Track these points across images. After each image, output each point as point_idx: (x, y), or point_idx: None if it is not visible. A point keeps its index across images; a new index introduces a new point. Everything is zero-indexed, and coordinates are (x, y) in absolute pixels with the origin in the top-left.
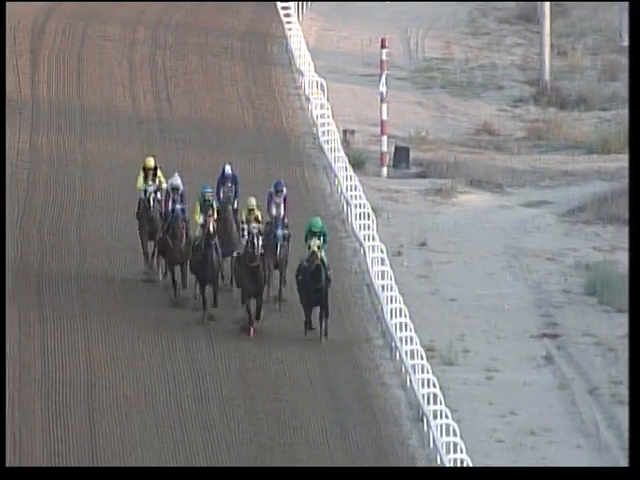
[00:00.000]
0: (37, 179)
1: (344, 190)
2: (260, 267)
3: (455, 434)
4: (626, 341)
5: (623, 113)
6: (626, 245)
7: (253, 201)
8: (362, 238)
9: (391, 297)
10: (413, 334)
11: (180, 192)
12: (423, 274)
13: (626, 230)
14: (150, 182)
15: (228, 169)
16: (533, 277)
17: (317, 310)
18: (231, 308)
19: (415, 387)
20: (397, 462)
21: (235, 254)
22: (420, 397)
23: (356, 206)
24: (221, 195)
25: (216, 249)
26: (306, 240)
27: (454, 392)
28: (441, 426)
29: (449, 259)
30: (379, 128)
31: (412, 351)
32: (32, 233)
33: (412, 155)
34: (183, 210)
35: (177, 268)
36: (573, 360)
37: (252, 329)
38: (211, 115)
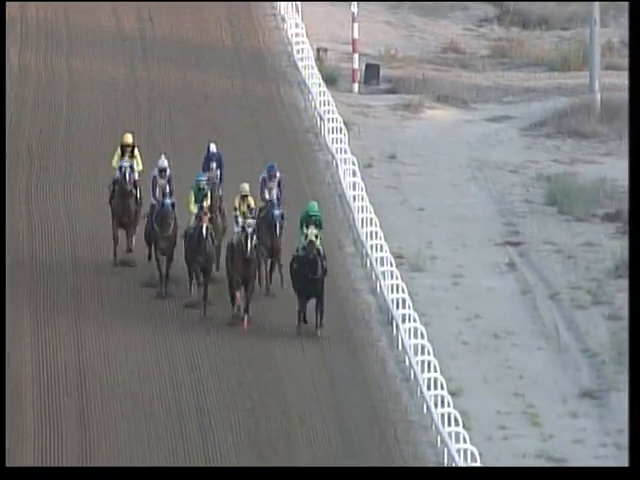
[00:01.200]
0: (25, 96)
1: (317, 105)
2: (254, 259)
3: (423, 337)
4: (585, 249)
5: (582, 32)
6: (585, 157)
7: (246, 187)
8: (334, 151)
9: (362, 207)
10: (383, 242)
11: (168, 175)
12: (392, 185)
13: (584, 143)
14: (127, 159)
15: (213, 147)
16: (497, 188)
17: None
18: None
19: (385, 292)
20: (367, 363)
21: (228, 242)
22: (389, 302)
23: (329, 120)
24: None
25: (212, 240)
26: (301, 226)
27: (422, 297)
28: (409, 329)
29: (417, 171)
30: (351, 46)
31: (382, 258)
32: (21, 146)
33: (382, 72)
34: (173, 205)
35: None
36: (534, 267)
37: (245, 321)
38: (191, 34)
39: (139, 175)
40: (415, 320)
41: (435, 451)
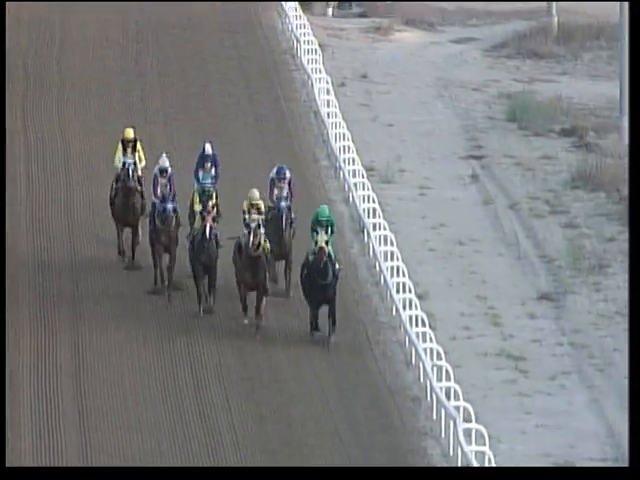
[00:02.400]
0: (21, 16)
1: (294, 28)
2: (261, 258)
3: (392, 244)
4: (542, 162)
5: None
6: (543, 77)
7: (256, 194)
8: (310, 71)
9: (335, 123)
10: (355, 156)
11: (169, 175)
12: (364, 103)
13: (542, 63)
14: (130, 156)
15: (208, 148)
16: (461, 105)
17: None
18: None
19: (357, 202)
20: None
21: (235, 242)
22: (361, 211)
23: (305, 42)
24: (200, 175)
25: (217, 243)
26: (312, 231)
27: (391, 207)
28: (380, 237)
29: (387, 89)
30: None
31: (354, 171)
32: (18, 65)
33: None
34: (175, 209)
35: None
36: (496, 178)
37: (257, 324)
38: None
39: (142, 172)
40: (385, 228)
41: (403, 350)
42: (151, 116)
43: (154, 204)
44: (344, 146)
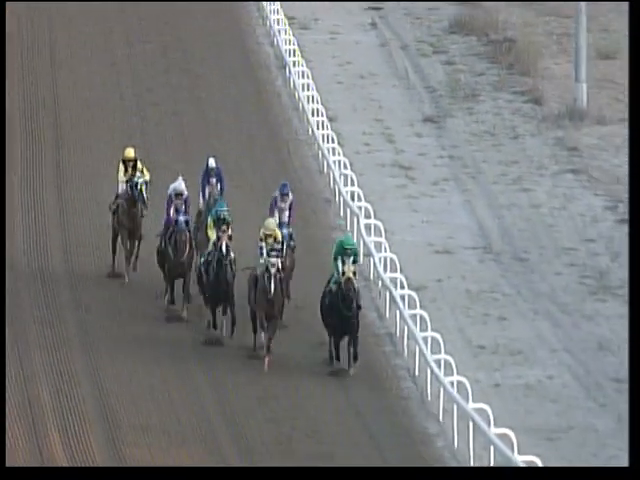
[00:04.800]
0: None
1: None
2: (277, 298)
3: (308, 77)
4: (428, 12)
5: None
6: None
7: (272, 224)
8: None
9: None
10: (279, 7)
11: (184, 198)
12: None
13: None
14: (137, 174)
15: (212, 162)
16: None
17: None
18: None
19: (280, 45)
20: (268, 101)
21: (251, 273)
22: (284, 52)
23: None
24: (206, 193)
25: (231, 267)
26: (335, 259)
27: (308, 48)
28: (298, 72)
29: None
30: None
31: (278, 20)
32: None
33: None
34: (187, 222)
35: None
36: (391, 25)
37: (267, 360)
38: None
39: (149, 186)
40: (303, 65)
41: (317, 162)
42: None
43: (167, 226)
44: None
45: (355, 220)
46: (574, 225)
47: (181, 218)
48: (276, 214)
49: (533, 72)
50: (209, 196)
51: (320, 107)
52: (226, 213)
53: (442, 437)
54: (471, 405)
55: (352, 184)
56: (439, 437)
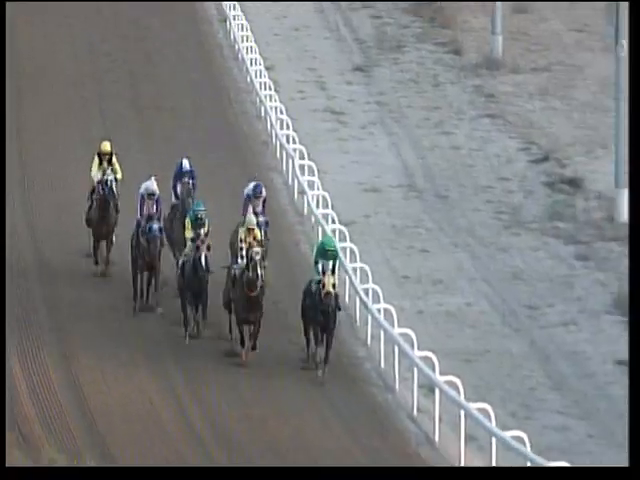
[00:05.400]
0: None
1: None
2: (260, 296)
3: (247, 30)
4: None
5: None
6: None
7: (253, 220)
8: None
9: None
10: None
11: (156, 198)
12: None
13: None
14: (108, 170)
15: (186, 164)
16: None
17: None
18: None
19: (222, 3)
20: (210, 51)
21: (232, 273)
22: (225, 7)
23: None
24: (178, 190)
25: (207, 269)
26: (316, 261)
27: (247, 4)
28: (238, 25)
29: None
30: None
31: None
32: None
33: None
34: (161, 229)
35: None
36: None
37: (244, 353)
38: None
39: (118, 183)
40: (242, 19)
41: (256, 107)
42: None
43: (138, 223)
44: None
45: (290, 161)
46: (490, 165)
47: (155, 226)
48: (250, 209)
49: (453, 25)
50: (182, 193)
51: (258, 57)
52: (203, 213)
53: (370, 360)
54: (396, 330)
55: (287, 128)
56: (367, 360)
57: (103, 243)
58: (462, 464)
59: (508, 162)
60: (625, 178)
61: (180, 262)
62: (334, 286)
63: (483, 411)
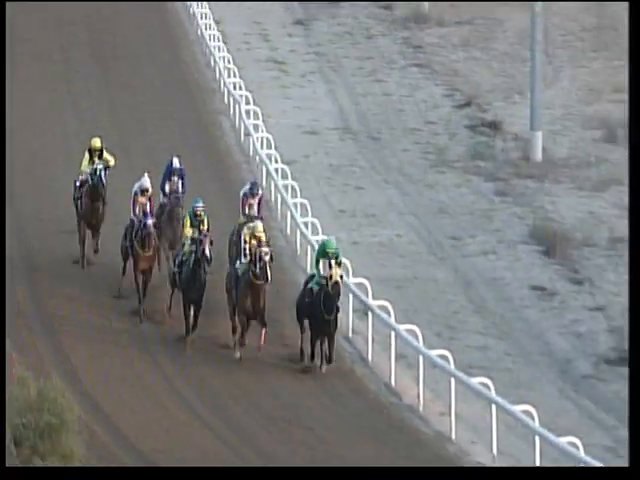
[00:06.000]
0: None
1: None
2: (264, 287)
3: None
4: None
5: None
6: None
7: (260, 226)
8: None
9: None
10: None
11: (149, 195)
12: None
13: None
14: (99, 162)
15: (176, 162)
16: None
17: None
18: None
19: None
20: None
21: (229, 272)
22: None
23: None
24: (166, 189)
25: (205, 270)
26: (317, 262)
27: None
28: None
29: None
30: None
31: None
32: None
33: None
34: (155, 225)
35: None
36: None
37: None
38: None
39: (109, 170)
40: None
41: (205, 58)
42: None
43: (132, 220)
44: None
45: (237, 106)
46: (418, 110)
47: (149, 221)
48: (246, 209)
49: None
50: (170, 192)
51: (207, 12)
52: (201, 210)
53: None
54: None
55: (234, 76)
56: None
57: (89, 233)
58: (392, 380)
59: (434, 107)
60: (539, 121)
61: (177, 260)
62: (341, 277)
63: (411, 332)
